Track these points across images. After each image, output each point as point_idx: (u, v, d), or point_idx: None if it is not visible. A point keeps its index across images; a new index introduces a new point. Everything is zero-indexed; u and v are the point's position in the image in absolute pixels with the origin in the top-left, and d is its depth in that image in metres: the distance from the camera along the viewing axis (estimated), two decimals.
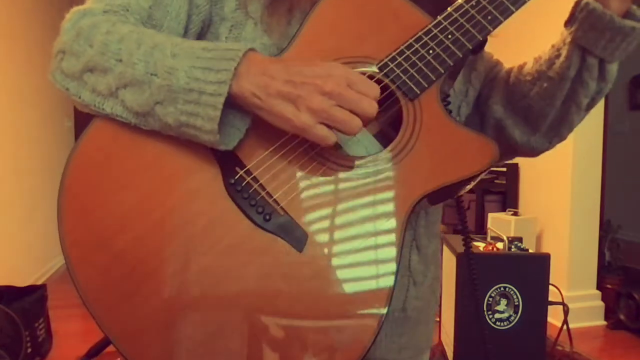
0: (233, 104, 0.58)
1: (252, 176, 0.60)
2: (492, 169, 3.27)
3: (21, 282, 2.89)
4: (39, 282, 3.33)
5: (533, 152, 0.79)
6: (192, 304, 0.58)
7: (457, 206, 0.79)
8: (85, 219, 0.59)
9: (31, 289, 2.57)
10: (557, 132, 0.76)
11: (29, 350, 2.34)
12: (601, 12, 0.65)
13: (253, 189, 0.60)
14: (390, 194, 0.61)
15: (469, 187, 0.66)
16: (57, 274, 4.11)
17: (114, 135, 0.61)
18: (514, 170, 3.46)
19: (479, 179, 0.65)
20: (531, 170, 3.36)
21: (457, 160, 0.62)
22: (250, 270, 0.58)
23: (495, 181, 3.49)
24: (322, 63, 0.58)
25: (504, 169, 3.42)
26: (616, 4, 0.65)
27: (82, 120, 4.89)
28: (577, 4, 0.68)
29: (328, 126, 0.56)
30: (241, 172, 0.60)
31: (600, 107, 3.01)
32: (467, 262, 0.84)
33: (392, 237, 0.60)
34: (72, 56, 0.61)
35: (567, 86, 0.70)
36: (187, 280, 0.58)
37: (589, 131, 3.01)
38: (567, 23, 0.69)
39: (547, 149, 0.79)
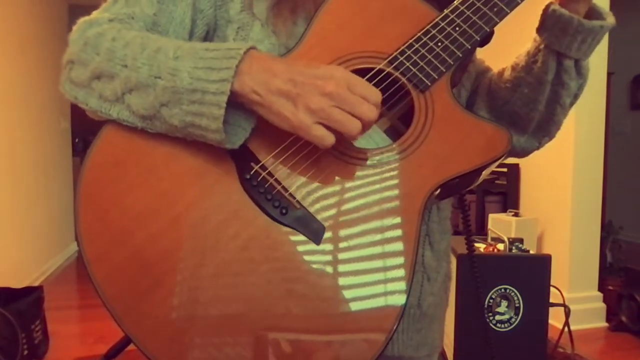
0: (237, 103, 0.58)
1: (267, 171, 0.61)
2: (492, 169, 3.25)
3: (17, 283, 2.88)
4: (36, 284, 3.32)
5: (522, 153, 0.81)
6: (210, 300, 0.58)
7: (461, 207, 0.78)
8: (101, 217, 0.60)
9: (27, 291, 2.56)
10: (546, 132, 0.78)
11: (26, 352, 2.32)
12: (569, 17, 0.67)
13: (269, 183, 0.61)
14: (406, 183, 0.62)
15: (483, 175, 0.66)
16: (53, 275, 4.09)
17: (128, 135, 0.62)
18: (515, 170, 3.45)
19: (492, 168, 0.65)
20: (532, 171, 3.35)
21: (471, 148, 0.63)
22: (267, 265, 0.58)
23: (496, 182, 3.49)
24: (325, 65, 0.58)
25: (505, 170, 3.42)
26: (579, 6, 0.68)
27: (78, 120, 4.88)
28: (545, 12, 0.70)
29: (327, 127, 0.56)
30: (256, 167, 0.61)
31: (601, 107, 3.01)
32: (470, 265, 0.82)
33: (408, 228, 0.60)
34: (81, 65, 0.62)
35: (547, 89, 0.72)
36: (205, 276, 0.58)
37: (590, 131, 2.99)
38: (539, 30, 0.71)
39: (537, 149, 0.81)
